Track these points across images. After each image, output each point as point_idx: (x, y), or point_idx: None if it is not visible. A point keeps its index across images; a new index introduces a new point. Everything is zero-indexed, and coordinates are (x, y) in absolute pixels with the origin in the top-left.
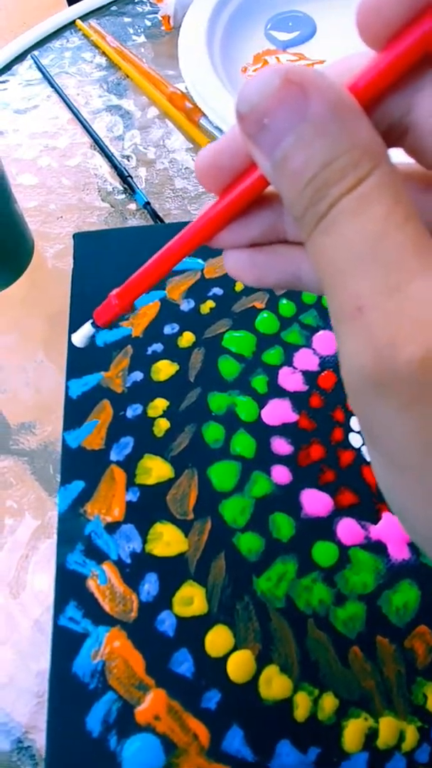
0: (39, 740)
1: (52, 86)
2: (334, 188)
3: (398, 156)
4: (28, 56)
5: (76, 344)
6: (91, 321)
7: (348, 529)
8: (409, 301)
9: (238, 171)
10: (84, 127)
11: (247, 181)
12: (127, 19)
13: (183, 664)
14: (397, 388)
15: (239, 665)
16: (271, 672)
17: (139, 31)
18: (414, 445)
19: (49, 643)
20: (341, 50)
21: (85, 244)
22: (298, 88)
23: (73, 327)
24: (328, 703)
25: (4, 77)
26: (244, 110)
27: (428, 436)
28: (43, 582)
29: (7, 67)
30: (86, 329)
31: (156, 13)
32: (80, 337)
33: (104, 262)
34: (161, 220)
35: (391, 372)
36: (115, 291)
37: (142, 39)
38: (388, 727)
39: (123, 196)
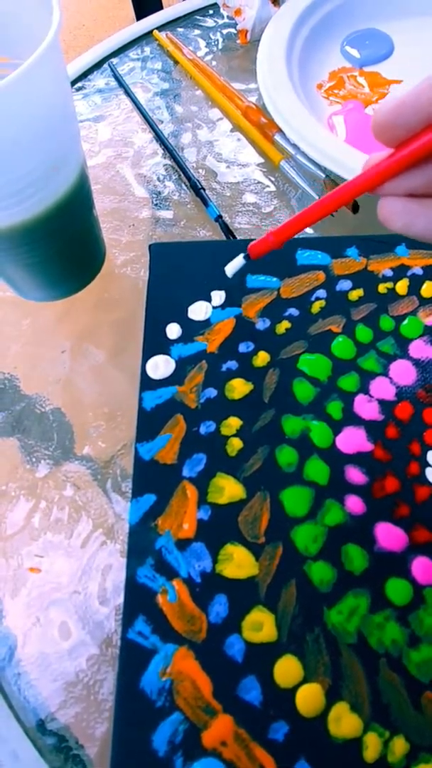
0: (90, 749)
1: (128, 95)
2: None
3: None
4: (105, 65)
5: (228, 274)
6: (243, 254)
7: (423, 568)
8: None
9: (413, 127)
10: (158, 136)
11: (425, 138)
12: (200, 32)
13: (251, 691)
14: None
15: (308, 699)
16: (341, 709)
17: (212, 44)
18: None
19: (96, 647)
20: (419, 70)
21: (161, 254)
22: None
23: (148, 336)
24: (399, 746)
25: (78, 84)
26: None
27: None
28: (96, 587)
29: (84, 75)
30: (238, 261)
31: (230, 27)
32: (232, 268)
33: (179, 273)
34: (233, 234)
35: None
36: (272, 229)
37: (215, 52)
38: None
39: (194, 207)
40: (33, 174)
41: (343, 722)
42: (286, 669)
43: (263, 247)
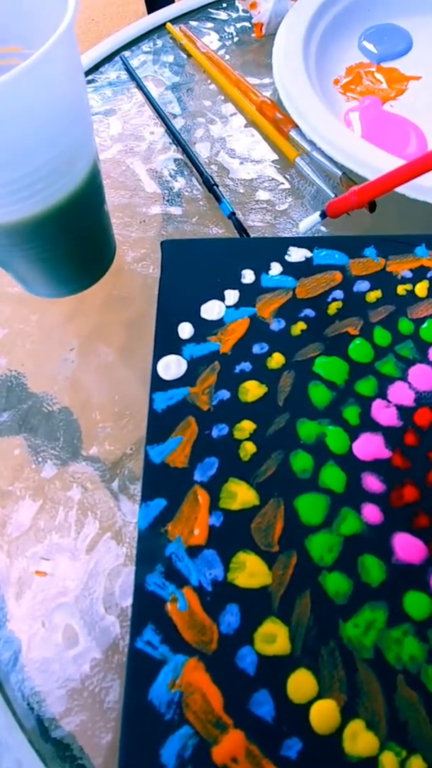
0: (95, 758)
1: (140, 89)
2: None
3: None
4: (116, 57)
5: (300, 230)
6: (320, 212)
7: None
8: None
9: None
10: (170, 131)
11: None
12: (213, 25)
13: (263, 706)
14: None
15: (323, 715)
16: (356, 727)
17: (226, 37)
18: None
19: (102, 653)
20: None
21: (174, 251)
22: None
23: (160, 335)
24: (416, 766)
25: (89, 77)
26: None
27: None
28: (102, 591)
29: (95, 67)
30: (314, 219)
31: (245, 20)
32: (305, 225)
33: (192, 271)
34: (246, 232)
35: None
36: (356, 187)
37: (229, 46)
38: None
39: (206, 204)
40: (45, 168)
41: (359, 740)
42: (300, 683)
43: (344, 205)
